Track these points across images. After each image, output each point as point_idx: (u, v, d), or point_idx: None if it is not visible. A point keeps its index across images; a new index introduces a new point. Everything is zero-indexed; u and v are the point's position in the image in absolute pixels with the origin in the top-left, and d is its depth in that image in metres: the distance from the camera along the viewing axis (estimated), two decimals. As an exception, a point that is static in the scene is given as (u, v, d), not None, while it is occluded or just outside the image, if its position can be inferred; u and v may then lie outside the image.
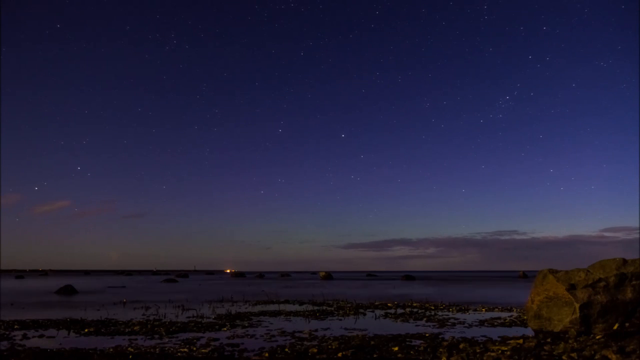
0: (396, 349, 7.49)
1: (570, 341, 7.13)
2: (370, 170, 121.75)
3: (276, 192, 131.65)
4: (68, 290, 26.92)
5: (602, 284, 7.72)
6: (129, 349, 7.67)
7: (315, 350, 7.40)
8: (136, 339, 8.87)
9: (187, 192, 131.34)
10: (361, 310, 14.99)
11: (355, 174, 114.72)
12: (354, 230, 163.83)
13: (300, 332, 9.91)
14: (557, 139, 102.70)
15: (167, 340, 8.82)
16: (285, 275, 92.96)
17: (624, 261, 7.90)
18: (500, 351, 6.81)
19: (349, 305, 17.25)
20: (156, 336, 9.30)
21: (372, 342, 8.15)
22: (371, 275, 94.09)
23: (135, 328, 10.45)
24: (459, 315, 13.78)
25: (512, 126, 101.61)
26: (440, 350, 7.27)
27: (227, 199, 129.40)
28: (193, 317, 13.26)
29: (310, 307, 16.32)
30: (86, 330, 10.21)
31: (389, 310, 15.06)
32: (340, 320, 12.46)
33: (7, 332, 9.83)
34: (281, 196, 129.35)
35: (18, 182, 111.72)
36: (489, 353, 6.69)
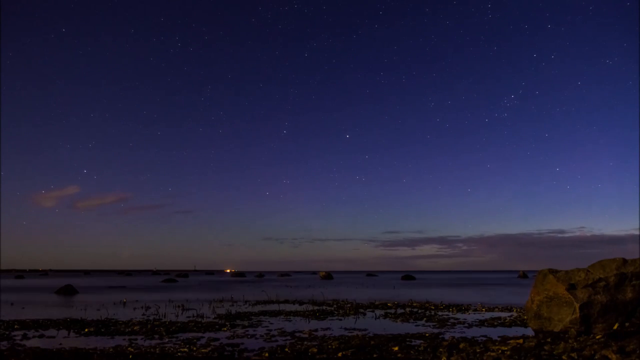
0: (396, 348, 7.50)
1: (570, 341, 7.13)
2: (375, 170, 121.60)
3: (281, 193, 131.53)
4: (68, 290, 26.91)
5: (602, 283, 7.72)
6: (129, 349, 7.67)
7: (315, 350, 7.40)
8: (136, 339, 8.86)
9: (191, 193, 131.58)
10: (361, 310, 14.99)
11: (360, 174, 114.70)
12: (359, 230, 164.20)
13: (300, 332, 9.91)
14: (562, 137, 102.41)
15: (167, 340, 8.81)
16: (285, 274, 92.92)
17: (624, 261, 7.90)
18: (500, 351, 6.81)
19: (349, 305, 17.25)
20: (156, 336, 9.29)
21: (372, 342, 8.15)
22: (371, 275, 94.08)
23: (135, 328, 10.45)
24: (459, 315, 13.78)
25: (518, 125, 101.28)
26: (440, 350, 7.27)
27: (232, 199, 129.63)
28: (193, 317, 13.26)
29: (310, 307, 16.31)
30: (86, 330, 10.21)
31: (389, 310, 15.06)
32: (340, 320, 12.46)
33: (7, 332, 9.82)
34: (286, 197, 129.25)
35: (21, 182, 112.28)
36: (489, 353, 6.69)
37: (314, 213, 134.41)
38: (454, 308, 16.01)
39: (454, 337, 8.69)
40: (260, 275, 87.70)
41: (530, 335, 8.47)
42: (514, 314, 13.82)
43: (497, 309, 15.59)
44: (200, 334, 9.60)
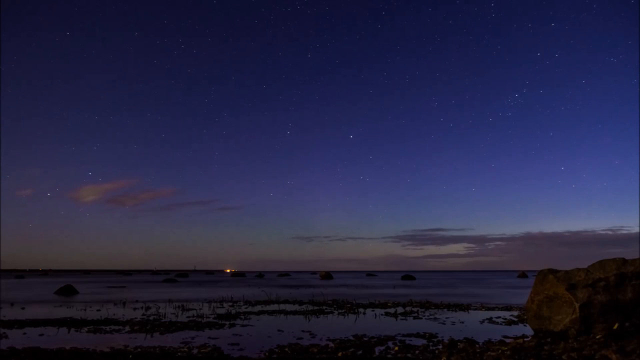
0: (396, 348, 7.50)
1: (570, 341, 7.13)
2: (379, 171, 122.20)
3: (285, 194, 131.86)
4: (68, 290, 26.90)
5: (602, 283, 7.72)
6: (129, 348, 7.67)
7: (315, 350, 7.40)
8: (136, 339, 8.87)
9: (194, 195, 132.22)
10: (361, 310, 14.99)
11: (364, 174, 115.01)
12: (360, 230, 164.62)
13: (301, 331, 9.91)
14: (567, 136, 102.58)
15: (167, 340, 8.82)
16: (284, 274, 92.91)
17: (624, 261, 7.90)
18: (500, 351, 6.81)
19: (349, 304, 17.25)
20: (156, 335, 9.30)
21: (372, 342, 8.15)
22: (371, 275, 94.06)
23: (135, 328, 10.45)
24: (459, 314, 13.78)
25: (522, 124, 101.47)
26: (440, 349, 7.27)
27: (235, 201, 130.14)
28: (193, 316, 13.26)
29: (310, 307, 16.32)
30: (86, 329, 10.21)
31: (388, 310, 15.06)
32: (340, 319, 12.46)
33: (6, 332, 9.83)
34: (290, 198, 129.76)
35: (25, 183, 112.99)
36: (489, 353, 6.70)
37: (318, 215, 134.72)
38: (454, 307, 16.01)
39: (452, 337, 8.69)
40: (260, 275, 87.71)
41: (530, 335, 8.47)
42: (514, 313, 13.83)
43: (497, 309, 15.59)
44: (200, 334, 9.60)
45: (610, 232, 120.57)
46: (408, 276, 61.92)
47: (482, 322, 11.69)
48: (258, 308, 16.13)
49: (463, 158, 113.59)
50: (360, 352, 7.27)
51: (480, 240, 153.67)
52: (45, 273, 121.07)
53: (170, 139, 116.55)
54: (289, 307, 16.27)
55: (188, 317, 13.20)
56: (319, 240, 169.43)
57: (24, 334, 9.60)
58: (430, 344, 8.00)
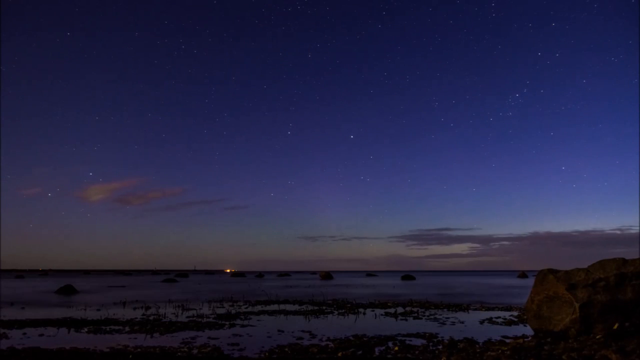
0: (396, 348, 7.50)
1: (570, 341, 7.13)
2: (380, 171, 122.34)
3: (286, 195, 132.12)
4: (68, 290, 26.91)
5: (602, 283, 7.72)
6: (129, 348, 7.67)
7: (315, 350, 7.40)
8: (136, 339, 8.87)
9: (194, 195, 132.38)
10: (361, 310, 14.98)
11: (364, 175, 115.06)
12: (369, 229, 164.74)
13: (301, 331, 9.91)
14: (568, 136, 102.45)
15: (167, 339, 8.82)
16: (284, 274, 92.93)
17: (624, 261, 7.91)
18: (500, 351, 6.81)
19: (349, 304, 17.25)
20: (156, 335, 9.30)
21: (372, 342, 8.15)
22: (370, 275, 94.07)
23: (135, 328, 10.45)
24: (459, 314, 13.78)
25: (522, 124, 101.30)
26: (440, 349, 7.27)
27: (235, 201, 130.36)
28: (193, 316, 13.26)
29: (310, 307, 16.31)
30: (86, 329, 10.21)
31: (388, 310, 15.06)
32: (340, 319, 12.46)
33: (6, 332, 9.82)
34: (290, 198, 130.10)
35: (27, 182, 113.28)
36: (488, 353, 6.70)
37: (319, 215, 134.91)
38: (454, 307, 16.01)
39: (453, 337, 8.69)
40: (260, 275, 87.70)
41: (530, 335, 8.47)
42: (514, 313, 13.83)
43: (497, 309, 15.59)
44: (200, 334, 9.61)
45: (618, 232, 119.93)
46: (408, 276, 61.91)
47: (482, 322, 11.69)
48: (258, 308, 16.13)
49: (463, 158, 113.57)
50: (360, 352, 7.28)
51: (487, 240, 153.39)
52: (45, 273, 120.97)
53: (171, 139, 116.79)
54: (289, 307, 16.27)
55: (188, 317, 13.20)
56: (323, 240, 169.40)
57: (24, 334, 9.60)
58: (430, 344, 8.00)
